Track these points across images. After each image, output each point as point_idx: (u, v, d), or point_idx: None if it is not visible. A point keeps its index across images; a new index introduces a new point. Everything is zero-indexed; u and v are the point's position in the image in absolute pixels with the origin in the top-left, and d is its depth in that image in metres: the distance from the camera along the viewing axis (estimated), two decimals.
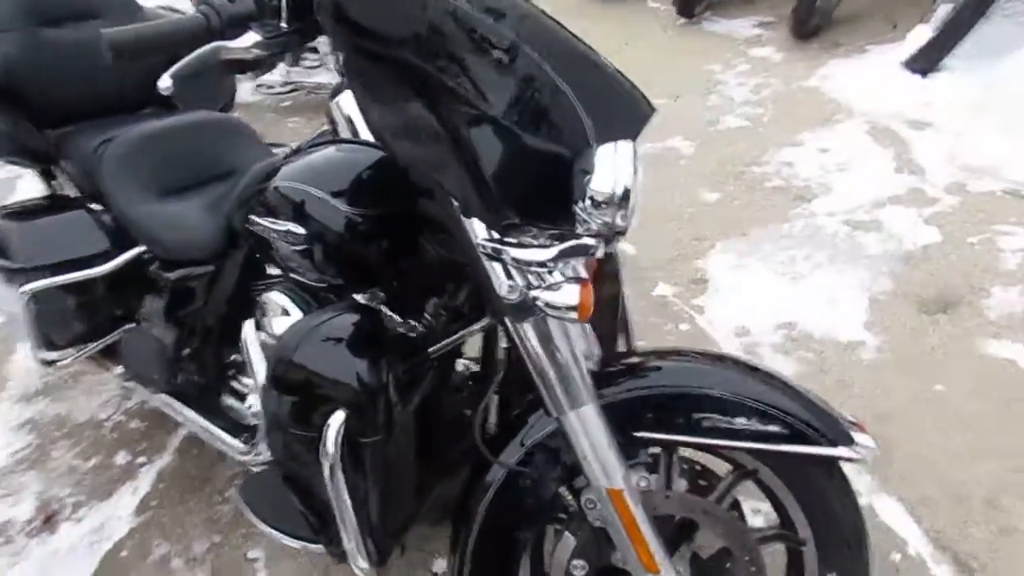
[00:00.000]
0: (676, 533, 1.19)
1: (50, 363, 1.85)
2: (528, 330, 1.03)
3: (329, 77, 4.09)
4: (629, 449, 1.11)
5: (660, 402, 1.12)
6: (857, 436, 1.09)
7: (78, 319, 1.78)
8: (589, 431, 1.06)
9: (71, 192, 1.87)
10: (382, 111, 0.98)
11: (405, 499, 1.24)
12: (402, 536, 1.28)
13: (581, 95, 0.91)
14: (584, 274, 0.98)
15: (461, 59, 0.89)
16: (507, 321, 1.04)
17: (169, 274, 1.67)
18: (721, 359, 1.22)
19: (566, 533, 1.17)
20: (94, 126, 1.82)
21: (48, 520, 1.97)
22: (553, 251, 0.92)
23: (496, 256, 0.95)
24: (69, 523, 1.96)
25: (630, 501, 1.08)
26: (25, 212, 1.82)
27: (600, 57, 0.97)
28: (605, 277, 1.55)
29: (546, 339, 1.03)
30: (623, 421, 1.10)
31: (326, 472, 1.10)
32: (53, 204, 1.86)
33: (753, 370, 1.18)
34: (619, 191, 0.87)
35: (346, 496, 1.12)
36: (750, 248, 2.51)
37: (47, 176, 1.95)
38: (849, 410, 1.17)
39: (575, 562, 1.16)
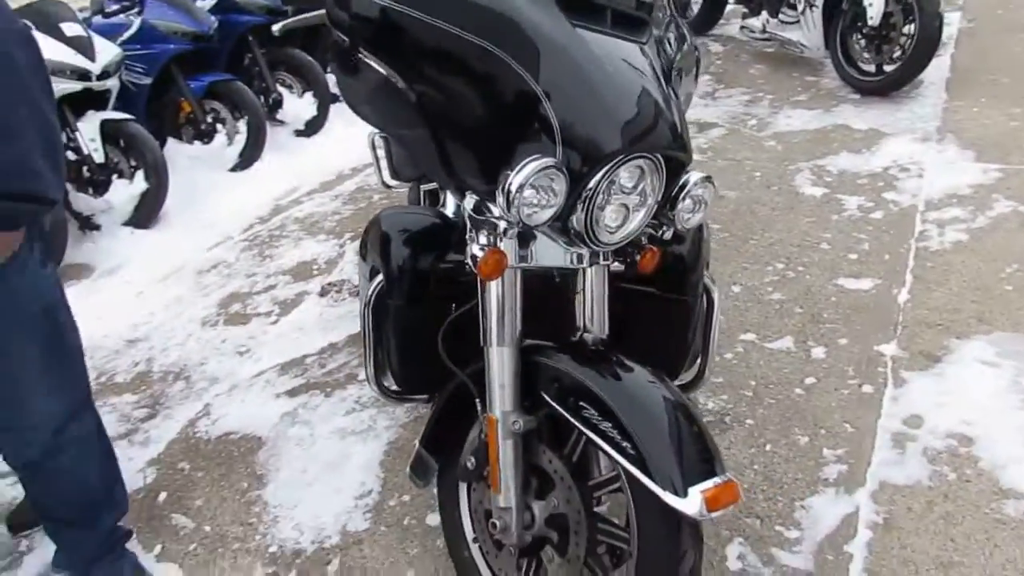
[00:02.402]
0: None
1: (388, 187, 2.69)
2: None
3: (800, 35, 4.19)
4: (533, 401, 1.44)
5: (570, 383, 1.39)
6: (693, 492, 1.25)
7: (407, 163, 2.55)
8: (500, 368, 1.41)
9: None
10: (364, 96, 1.40)
11: (419, 363, 1.72)
12: (420, 392, 1.78)
13: (569, 110, 1.21)
14: (497, 245, 1.32)
15: (444, 70, 1.26)
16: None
17: None
18: (652, 375, 1.40)
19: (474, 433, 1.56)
20: None
21: (323, 293, 2.97)
22: (468, 218, 1.32)
23: (473, 212, 1.35)
24: (328, 299, 2.91)
25: (500, 430, 1.43)
26: None
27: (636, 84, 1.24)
28: (680, 302, 1.74)
29: (493, 288, 1.39)
30: (538, 381, 1.43)
31: (360, 314, 1.66)
32: None
33: (668, 390, 1.36)
34: (510, 189, 1.17)
35: (370, 337, 1.68)
36: (1020, 350, 2.18)
37: None
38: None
39: (470, 457, 1.56)
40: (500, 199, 1.20)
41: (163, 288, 3.36)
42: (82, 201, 3.85)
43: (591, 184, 1.22)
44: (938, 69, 4.13)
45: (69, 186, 3.86)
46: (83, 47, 3.72)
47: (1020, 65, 4.07)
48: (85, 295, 3.40)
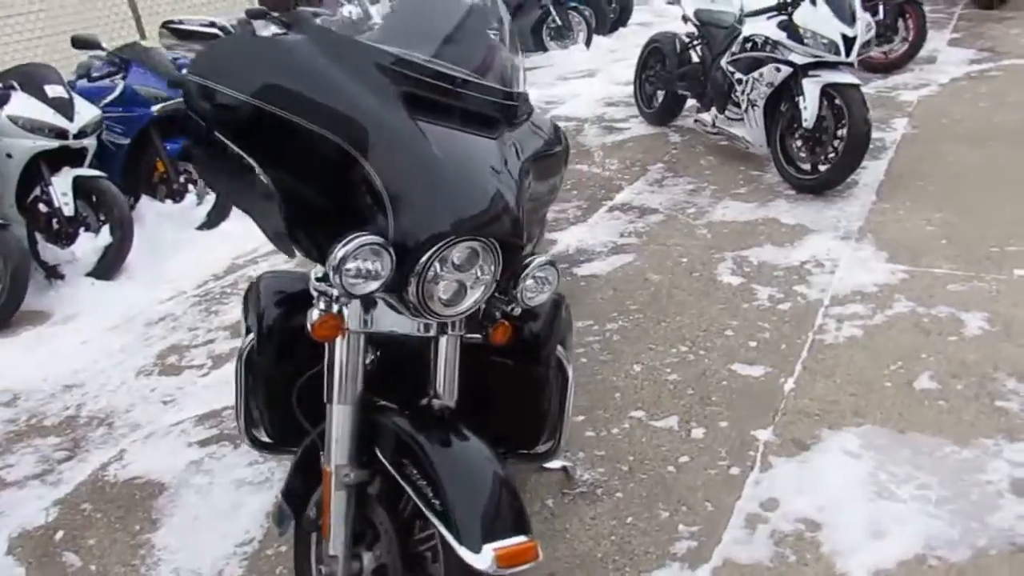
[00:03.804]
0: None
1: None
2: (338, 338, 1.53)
3: (744, 132, 4.41)
4: (367, 456, 1.56)
5: (402, 443, 1.52)
6: (487, 549, 1.36)
7: None
8: (338, 424, 1.54)
9: None
10: (222, 174, 1.57)
11: (287, 418, 1.85)
12: (291, 445, 1.89)
13: (400, 194, 1.38)
14: (331, 310, 1.46)
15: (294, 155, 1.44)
16: None
17: None
18: (481, 446, 1.53)
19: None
20: None
21: None
22: (312, 286, 1.47)
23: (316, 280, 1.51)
24: None
25: (332, 483, 1.55)
26: None
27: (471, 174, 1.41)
28: (534, 374, 1.88)
29: (337, 350, 1.53)
30: (377, 439, 1.56)
31: (234, 368, 1.81)
32: None
33: (491, 461, 1.49)
34: (335, 262, 1.33)
35: (242, 391, 1.82)
36: (888, 445, 2.29)
37: None
38: None
39: (313, 507, 1.67)
40: (328, 270, 1.36)
41: (110, 337, 3.52)
42: (49, 251, 4.05)
43: (420, 261, 1.38)
44: (874, 172, 4.33)
45: (38, 236, 4.07)
46: (63, 108, 3.98)
47: (949, 173, 4.27)
48: (35, 341, 3.56)
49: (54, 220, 4.05)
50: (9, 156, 3.94)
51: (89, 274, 4.05)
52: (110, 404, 2.96)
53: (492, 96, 1.60)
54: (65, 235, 4.06)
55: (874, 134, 4.41)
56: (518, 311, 1.64)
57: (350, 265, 1.34)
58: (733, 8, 4.72)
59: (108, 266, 4.07)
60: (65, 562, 2.18)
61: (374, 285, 1.38)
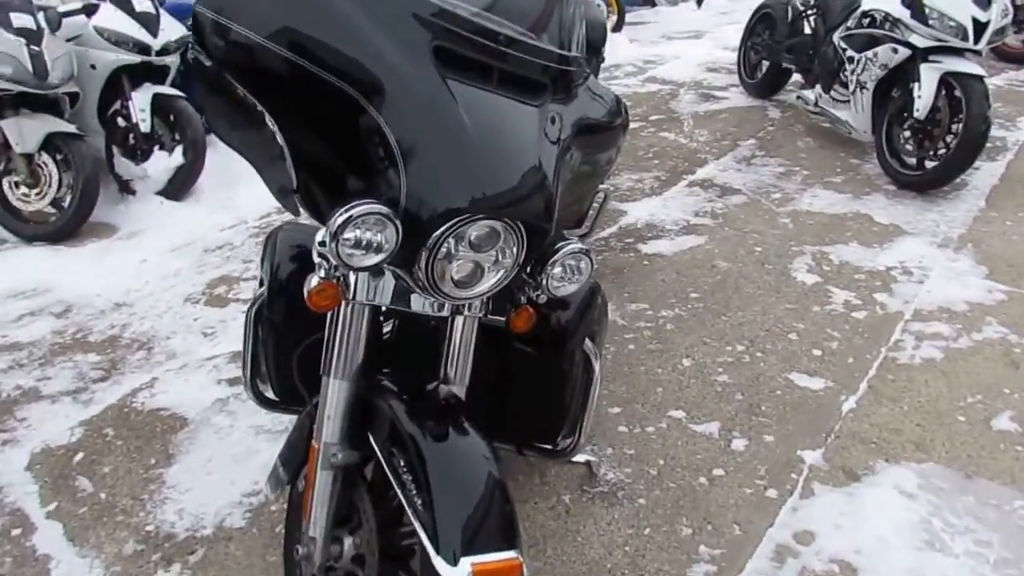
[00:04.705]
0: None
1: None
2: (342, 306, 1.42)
3: (849, 115, 4.07)
4: (359, 437, 1.46)
5: (396, 431, 1.41)
6: (464, 563, 1.25)
7: None
8: (331, 399, 1.43)
9: None
10: (227, 118, 1.44)
11: (294, 377, 1.77)
12: (298, 404, 1.82)
13: (419, 162, 1.24)
14: (327, 279, 1.33)
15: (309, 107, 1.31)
16: None
17: None
18: (481, 445, 1.41)
19: None
20: None
21: None
22: (315, 250, 1.34)
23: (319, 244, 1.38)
24: None
25: (319, 459, 1.45)
26: None
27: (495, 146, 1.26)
28: (556, 366, 1.75)
29: (338, 320, 1.42)
30: (370, 420, 1.45)
31: (243, 321, 1.73)
32: None
33: (490, 463, 1.37)
34: (333, 228, 1.20)
35: (249, 343, 1.74)
36: (949, 490, 2.06)
37: None
38: None
39: (303, 479, 1.59)
40: (326, 236, 1.24)
41: (168, 259, 3.54)
42: (124, 166, 4.10)
43: (432, 236, 1.23)
44: (987, 174, 3.94)
45: (116, 150, 4.12)
46: (148, 23, 3.97)
47: None
48: (99, 254, 3.61)
49: (131, 135, 4.08)
50: (93, 67, 3.98)
51: (159, 192, 4.08)
52: (153, 328, 2.97)
53: (543, 59, 1.41)
54: (140, 151, 4.09)
55: (996, 132, 4.04)
56: (543, 299, 1.49)
57: (349, 234, 1.21)
58: None
59: (178, 187, 4.10)
60: (77, 486, 2.19)
61: (375, 259, 1.24)
